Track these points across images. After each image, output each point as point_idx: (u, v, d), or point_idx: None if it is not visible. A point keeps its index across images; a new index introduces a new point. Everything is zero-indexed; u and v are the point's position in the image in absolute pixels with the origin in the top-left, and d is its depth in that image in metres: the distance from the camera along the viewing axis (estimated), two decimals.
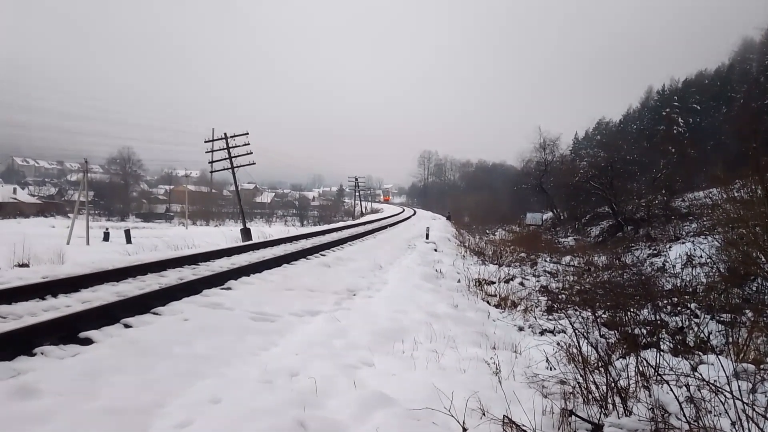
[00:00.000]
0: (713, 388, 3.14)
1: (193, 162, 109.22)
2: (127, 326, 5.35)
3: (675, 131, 42.12)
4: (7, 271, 8.51)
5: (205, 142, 29.51)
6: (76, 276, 7.16)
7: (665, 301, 8.51)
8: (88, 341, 4.76)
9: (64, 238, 35.48)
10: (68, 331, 4.81)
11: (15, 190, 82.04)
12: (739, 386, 2.93)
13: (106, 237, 39.74)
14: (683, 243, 15.06)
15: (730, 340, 5.72)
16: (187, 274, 8.56)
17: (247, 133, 29.45)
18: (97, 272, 7.59)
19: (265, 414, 3.23)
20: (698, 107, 51.46)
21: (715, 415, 3.12)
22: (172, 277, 8.21)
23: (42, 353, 4.29)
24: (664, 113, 48.14)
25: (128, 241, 34.98)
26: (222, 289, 7.68)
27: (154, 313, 5.95)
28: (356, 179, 74.13)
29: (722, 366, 3.48)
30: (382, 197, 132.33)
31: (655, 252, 15.96)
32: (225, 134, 29.28)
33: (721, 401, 3.06)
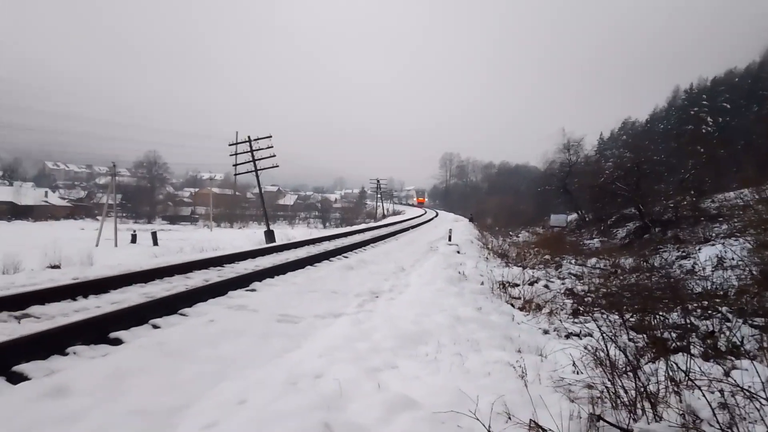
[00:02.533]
0: (748, 393, 3.04)
1: (217, 165, 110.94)
2: (154, 327, 5.47)
3: (704, 131, 41.07)
4: (39, 272, 8.76)
5: (229, 145, 29.86)
6: (105, 278, 7.34)
7: (695, 305, 8.28)
8: (117, 341, 4.87)
9: (93, 241, 36.51)
10: (98, 331, 4.93)
11: (46, 193, 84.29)
12: None
13: (134, 239, 40.73)
14: (713, 245, 14.65)
15: (765, 344, 5.54)
16: (213, 276, 8.69)
17: (270, 137, 29.72)
18: (125, 274, 7.76)
19: (290, 416, 3.24)
20: (728, 106, 50.12)
21: (750, 422, 3.02)
22: (197, 278, 8.33)
23: (74, 353, 4.41)
24: (692, 112, 47.03)
25: (155, 243, 35.81)
26: (247, 290, 7.76)
27: (181, 314, 6.06)
28: (378, 181, 74.34)
29: (757, 371, 3.38)
30: (415, 199, 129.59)
31: (683, 254, 15.54)
32: (248, 137, 29.63)
33: (756, 407, 2.96)
